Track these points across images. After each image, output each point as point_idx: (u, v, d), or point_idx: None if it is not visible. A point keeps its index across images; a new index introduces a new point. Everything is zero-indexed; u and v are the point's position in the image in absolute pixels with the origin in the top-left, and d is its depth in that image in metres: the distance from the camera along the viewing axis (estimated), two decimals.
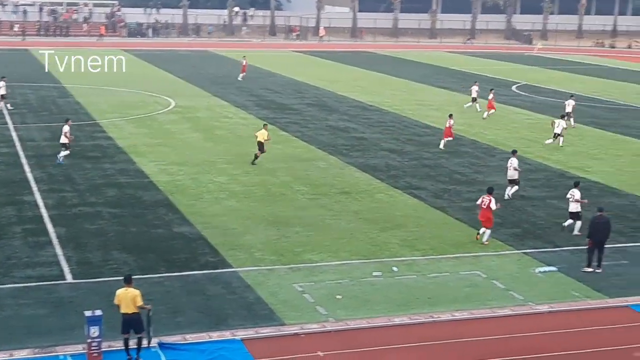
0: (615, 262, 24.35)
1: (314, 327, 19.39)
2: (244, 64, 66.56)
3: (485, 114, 50.20)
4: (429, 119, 49.54)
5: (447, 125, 40.90)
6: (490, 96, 50.86)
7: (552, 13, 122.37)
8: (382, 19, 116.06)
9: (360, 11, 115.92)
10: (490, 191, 26.58)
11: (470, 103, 53.23)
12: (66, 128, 35.56)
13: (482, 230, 26.12)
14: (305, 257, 24.09)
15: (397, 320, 19.89)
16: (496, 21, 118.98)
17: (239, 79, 65.00)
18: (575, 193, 27.14)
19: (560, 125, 41.79)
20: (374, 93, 60.35)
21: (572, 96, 50.36)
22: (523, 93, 63.08)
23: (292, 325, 19.44)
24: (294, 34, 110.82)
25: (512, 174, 31.54)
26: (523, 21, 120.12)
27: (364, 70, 76.01)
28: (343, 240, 25.86)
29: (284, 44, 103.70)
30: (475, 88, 53.66)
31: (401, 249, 25.25)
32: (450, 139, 40.84)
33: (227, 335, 18.85)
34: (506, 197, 31.14)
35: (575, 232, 26.78)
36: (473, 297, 21.45)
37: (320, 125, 46.20)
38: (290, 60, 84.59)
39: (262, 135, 36.38)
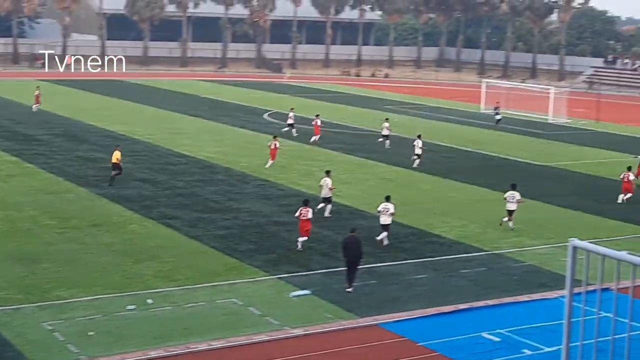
0: (364, 282, 25.17)
1: None
2: (37, 94, 63.77)
3: (312, 139, 52.72)
4: (182, 147, 49.30)
5: (272, 146, 43.79)
6: (318, 122, 53.88)
7: (300, 43, 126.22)
8: (132, 47, 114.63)
9: (108, 39, 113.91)
10: (306, 203, 29.05)
11: (287, 128, 55.82)
12: None
13: (301, 239, 28.48)
14: (55, 294, 23.03)
15: (152, 354, 19.41)
16: (247, 50, 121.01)
17: (33, 109, 62.35)
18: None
19: (417, 145, 45.86)
20: (125, 122, 59.29)
21: (387, 119, 54.32)
22: (274, 120, 64.33)
23: None
24: (38, 62, 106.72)
25: (326, 192, 33.77)
26: (273, 50, 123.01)
27: (114, 99, 74.56)
28: (95, 274, 25.01)
29: (29, 72, 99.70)
30: (291, 114, 56.71)
31: (156, 280, 24.78)
32: (272, 161, 43.43)
33: None
34: (326, 214, 33.25)
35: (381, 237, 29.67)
36: (230, 325, 21.39)
37: (69, 157, 44.67)
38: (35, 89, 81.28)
39: (115, 156, 38.36)
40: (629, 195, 38.75)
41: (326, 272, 26.18)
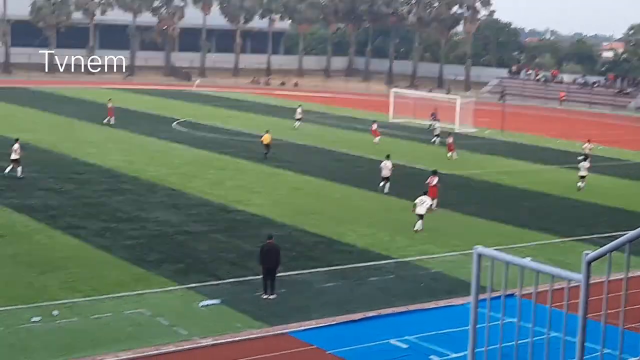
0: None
1: None
2: (110, 107, 64.93)
3: (376, 140, 59.84)
4: (89, 156, 48.46)
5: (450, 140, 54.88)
6: (374, 126, 61.37)
7: (209, 51, 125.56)
8: (37, 54, 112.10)
9: (13, 46, 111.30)
10: (435, 172, 38.09)
11: (298, 122, 66.50)
12: (16, 146, 40.76)
13: (433, 203, 35.57)
14: None
15: None
16: (155, 58, 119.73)
17: (109, 122, 63.38)
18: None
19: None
20: (29, 130, 57.87)
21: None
22: (183, 129, 63.85)
23: None
24: None
25: (386, 172, 41.66)
26: (182, 59, 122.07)
27: (18, 107, 72.81)
28: None
29: None
30: (299, 110, 67.61)
31: (62, 291, 24.26)
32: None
33: None
34: (386, 191, 41.30)
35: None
36: (137, 336, 21.09)
37: None
38: None
39: (266, 138, 50.76)
40: None
41: (235, 281, 26.08)
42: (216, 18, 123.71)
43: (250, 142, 58.45)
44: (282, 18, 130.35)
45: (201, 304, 23.77)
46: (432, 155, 56.39)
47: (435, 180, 37.87)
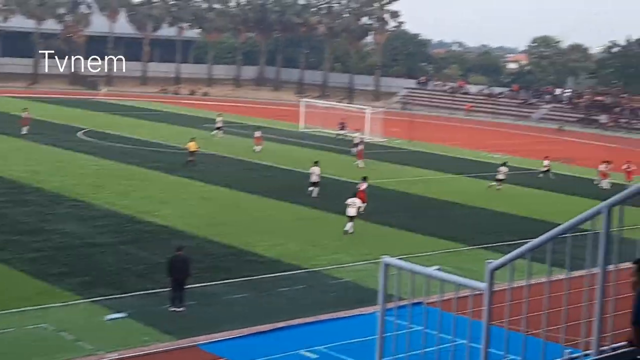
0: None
1: None
2: (25, 116, 62.79)
3: (257, 148, 59.52)
4: None
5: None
6: (258, 134, 60.63)
7: (116, 59, 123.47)
8: None
9: None
10: (365, 178, 40.61)
11: (216, 131, 66.42)
12: None
13: (362, 207, 36.61)
14: None
15: None
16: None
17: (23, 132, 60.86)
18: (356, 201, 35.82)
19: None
20: None
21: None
22: (89, 139, 62.63)
23: None
24: None
25: (315, 178, 43.42)
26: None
27: None
28: None
29: None
30: (219, 119, 67.52)
31: None
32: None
33: None
34: (314, 195, 42.95)
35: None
36: (41, 352, 20.51)
37: None
38: None
39: (192, 146, 51.42)
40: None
41: (142, 294, 25.64)
42: (123, 26, 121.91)
43: (159, 151, 57.72)
44: (191, 27, 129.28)
45: (107, 317, 23.26)
46: (340, 163, 56.64)
47: (364, 185, 39.97)
